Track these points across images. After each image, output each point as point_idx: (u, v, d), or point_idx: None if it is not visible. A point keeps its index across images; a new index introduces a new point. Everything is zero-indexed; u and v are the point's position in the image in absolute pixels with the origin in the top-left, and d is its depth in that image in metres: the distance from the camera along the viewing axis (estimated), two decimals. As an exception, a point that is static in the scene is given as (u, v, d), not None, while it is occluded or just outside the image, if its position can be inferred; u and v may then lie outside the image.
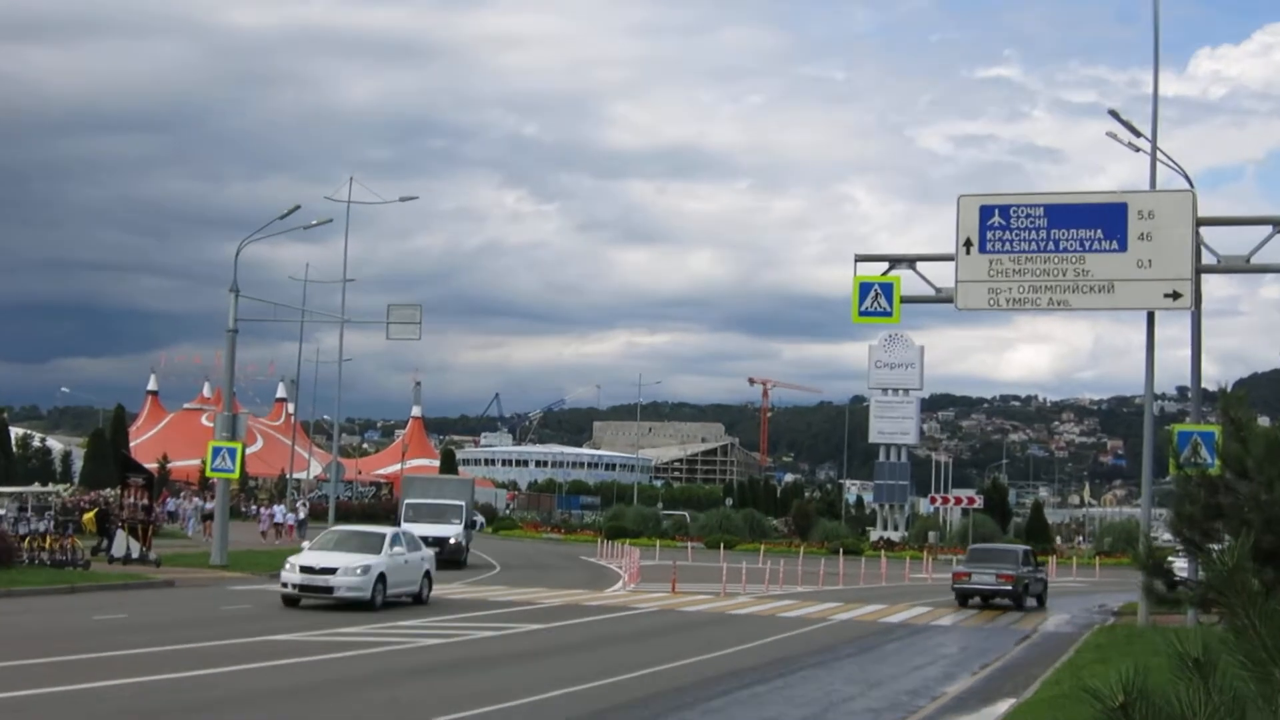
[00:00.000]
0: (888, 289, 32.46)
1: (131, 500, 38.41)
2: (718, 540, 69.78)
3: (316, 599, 27.33)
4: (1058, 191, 35.37)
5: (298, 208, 41.75)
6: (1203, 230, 30.11)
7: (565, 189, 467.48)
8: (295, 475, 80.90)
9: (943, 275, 32.46)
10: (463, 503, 49.13)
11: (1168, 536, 13.61)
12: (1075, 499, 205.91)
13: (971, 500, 78.49)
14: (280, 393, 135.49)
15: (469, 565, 46.48)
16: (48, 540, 34.90)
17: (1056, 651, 23.20)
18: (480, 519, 48.55)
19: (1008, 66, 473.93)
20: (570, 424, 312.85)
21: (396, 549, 28.60)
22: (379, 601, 27.25)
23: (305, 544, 34.12)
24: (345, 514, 76.29)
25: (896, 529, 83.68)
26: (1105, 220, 30.32)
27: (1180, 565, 13.09)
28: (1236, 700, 3.49)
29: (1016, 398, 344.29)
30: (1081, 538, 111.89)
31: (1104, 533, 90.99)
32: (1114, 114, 32.93)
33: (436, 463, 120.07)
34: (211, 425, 43.18)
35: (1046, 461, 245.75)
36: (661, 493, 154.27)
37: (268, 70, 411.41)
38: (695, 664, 20.39)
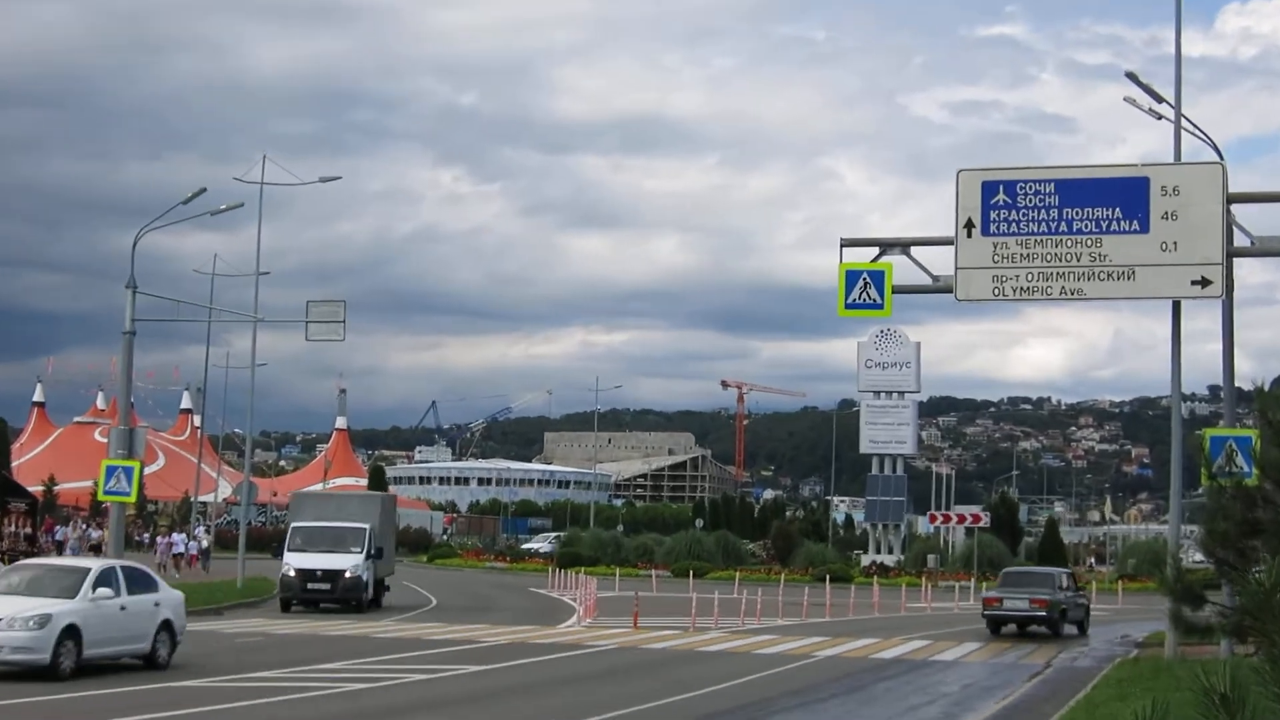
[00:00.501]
0: (878, 278, 32.43)
1: (13, 529, 38.07)
2: (686, 567, 69.72)
3: None
4: (1070, 165, 35.46)
5: (203, 191, 41.50)
6: (1234, 208, 30.22)
7: (508, 167, 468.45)
8: (201, 498, 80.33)
9: (941, 261, 32.46)
10: (367, 525, 43.66)
11: (1199, 557, 13.60)
12: (1095, 515, 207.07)
13: (977, 518, 78.62)
14: (185, 403, 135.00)
15: (386, 606, 43.86)
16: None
17: (1071, 688, 23.21)
18: (382, 548, 45.16)
19: (1012, 24, 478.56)
20: (518, 436, 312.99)
21: (103, 590, 23.24)
22: (66, 666, 21.95)
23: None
24: (258, 541, 76.04)
25: (891, 552, 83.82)
26: (1124, 197, 30.37)
27: (1216, 595, 13.06)
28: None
29: (1027, 400, 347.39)
30: (1094, 560, 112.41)
31: (1127, 553, 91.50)
32: (1132, 77, 32.99)
33: (364, 481, 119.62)
34: (105, 441, 42.70)
35: (1062, 473, 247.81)
36: (622, 513, 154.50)
37: (161, 36, 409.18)
38: (658, 708, 20.27)
